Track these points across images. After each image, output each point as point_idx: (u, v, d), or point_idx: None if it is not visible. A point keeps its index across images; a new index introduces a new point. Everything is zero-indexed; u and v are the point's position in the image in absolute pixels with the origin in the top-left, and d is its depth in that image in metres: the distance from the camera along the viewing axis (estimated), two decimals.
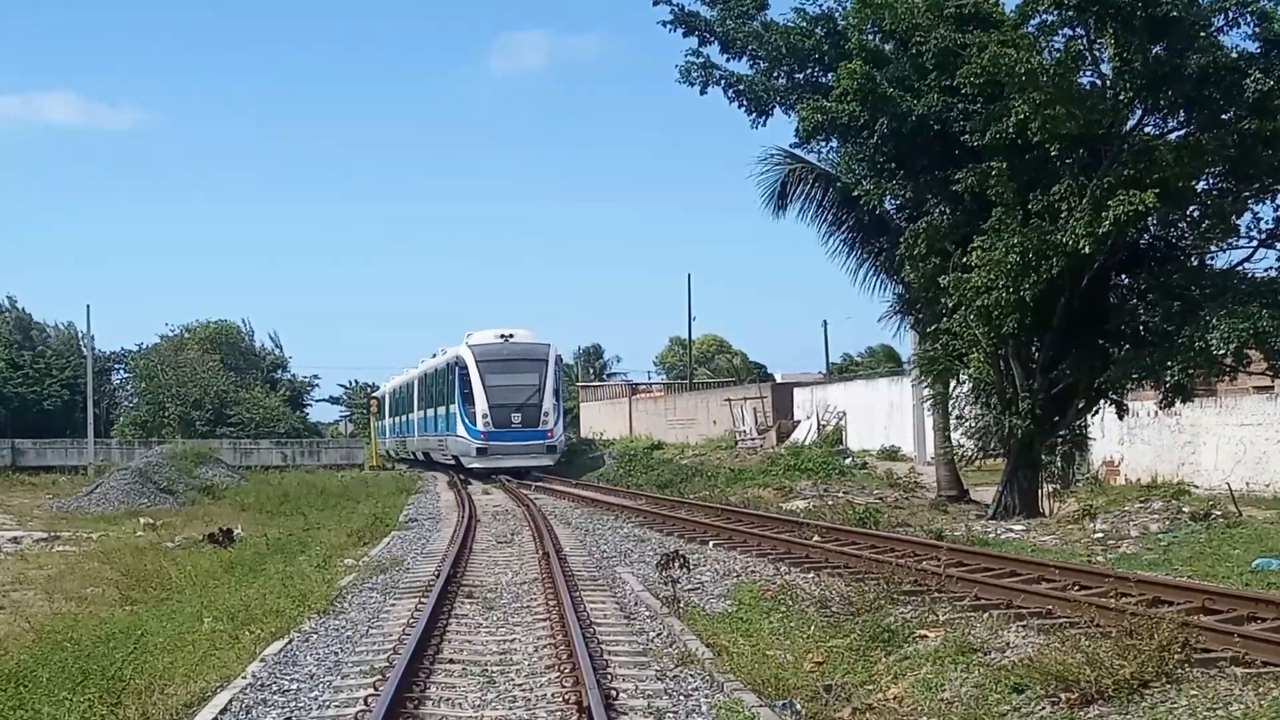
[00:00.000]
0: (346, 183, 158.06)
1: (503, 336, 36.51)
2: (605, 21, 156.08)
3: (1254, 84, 16.09)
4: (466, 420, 34.99)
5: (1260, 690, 7.22)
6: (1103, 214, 16.20)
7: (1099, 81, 17.94)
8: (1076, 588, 10.81)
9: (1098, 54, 17.56)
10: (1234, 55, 16.91)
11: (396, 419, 50.42)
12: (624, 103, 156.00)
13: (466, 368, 35.20)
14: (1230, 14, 16.83)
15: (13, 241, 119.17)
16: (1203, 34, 16.96)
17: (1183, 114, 17.76)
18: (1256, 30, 17.00)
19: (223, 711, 7.81)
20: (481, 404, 34.49)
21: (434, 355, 41.77)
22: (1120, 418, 20.67)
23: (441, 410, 38.20)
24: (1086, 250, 16.52)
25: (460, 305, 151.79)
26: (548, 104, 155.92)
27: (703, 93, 21.06)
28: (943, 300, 18.81)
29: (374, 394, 61.23)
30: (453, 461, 38.00)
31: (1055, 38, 17.63)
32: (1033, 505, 20.01)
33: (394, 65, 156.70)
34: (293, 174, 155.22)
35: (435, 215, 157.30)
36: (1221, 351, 16.53)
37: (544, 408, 34.95)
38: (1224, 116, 17.04)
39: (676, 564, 14.37)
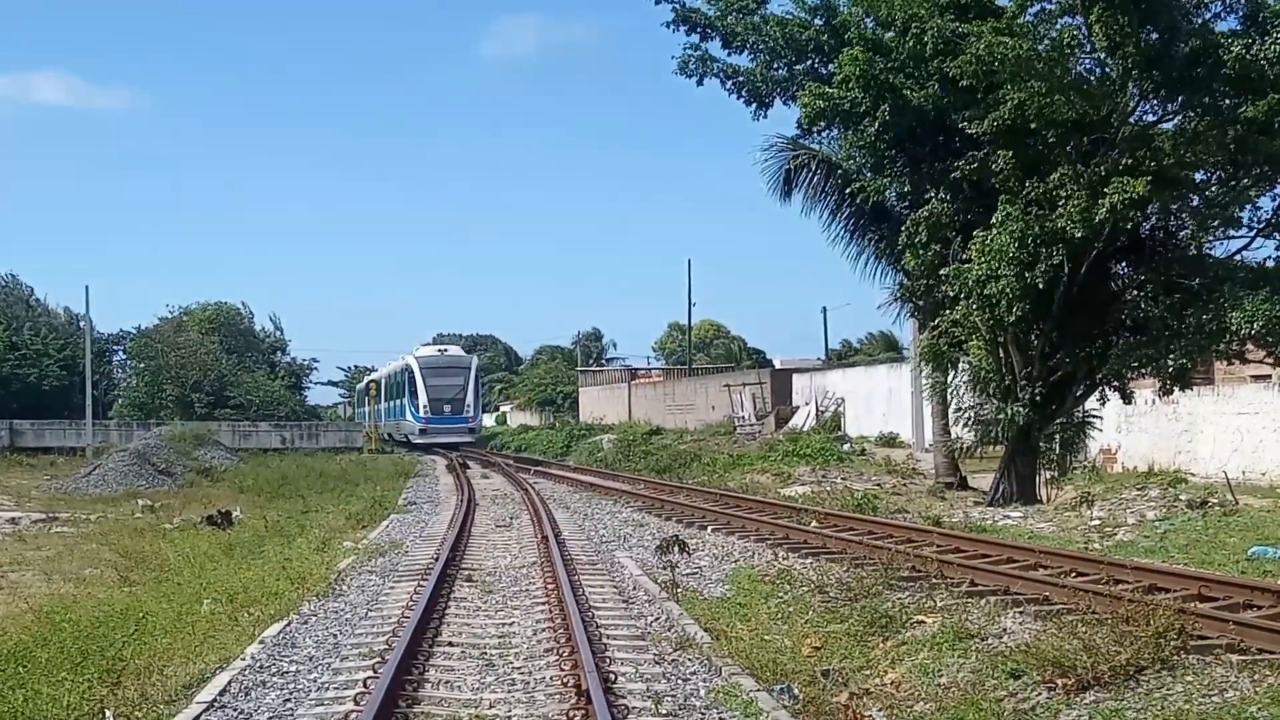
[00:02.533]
0: (342, 167, 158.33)
1: (440, 350, 52.08)
2: (598, 7, 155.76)
3: (1235, 58, 15.94)
4: (413, 410, 47.75)
5: (1256, 677, 7.25)
6: (1099, 201, 16.19)
7: (1099, 69, 17.89)
8: (1073, 574, 10.84)
9: (1095, 40, 17.50)
10: (1219, 33, 16.86)
11: (372, 408, 61.52)
12: (618, 88, 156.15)
13: (413, 372, 48.26)
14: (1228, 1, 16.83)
15: (9, 223, 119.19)
16: (1197, 20, 16.93)
17: (1179, 100, 17.69)
18: (1245, 11, 16.96)
19: (222, 692, 7.84)
20: (423, 398, 47.05)
21: (395, 361, 54.75)
22: (1126, 403, 20.67)
23: (397, 403, 51.04)
24: (1079, 236, 16.52)
25: (457, 291, 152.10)
26: (541, 89, 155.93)
27: (700, 84, 20.99)
28: (943, 288, 18.80)
29: (372, 378, 65.52)
30: (404, 439, 49.98)
31: (1055, 26, 17.56)
32: (1030, 492, 20.04)
33: (386, 50, 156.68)
34: (288, 159, 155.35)
35: (431, 200, 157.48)
36: (1245, 331, 16.37)
37: (467, 401, 47.89)
38: (1219, 102, 16.94)
39: (675, 548, 14.44)
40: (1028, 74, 16.27)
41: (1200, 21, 17.08)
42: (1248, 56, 15.72)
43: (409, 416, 48.33)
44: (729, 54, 20.85)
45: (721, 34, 20.67)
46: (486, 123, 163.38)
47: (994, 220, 17.35)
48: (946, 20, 17.58)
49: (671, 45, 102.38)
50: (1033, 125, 16.76)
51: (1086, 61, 17.92)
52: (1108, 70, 17.62)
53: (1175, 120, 17.87)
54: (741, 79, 20.82)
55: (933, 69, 18.00)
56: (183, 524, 21.27)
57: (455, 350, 53.97)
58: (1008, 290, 17.18)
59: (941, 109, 18.12)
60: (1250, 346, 17.68)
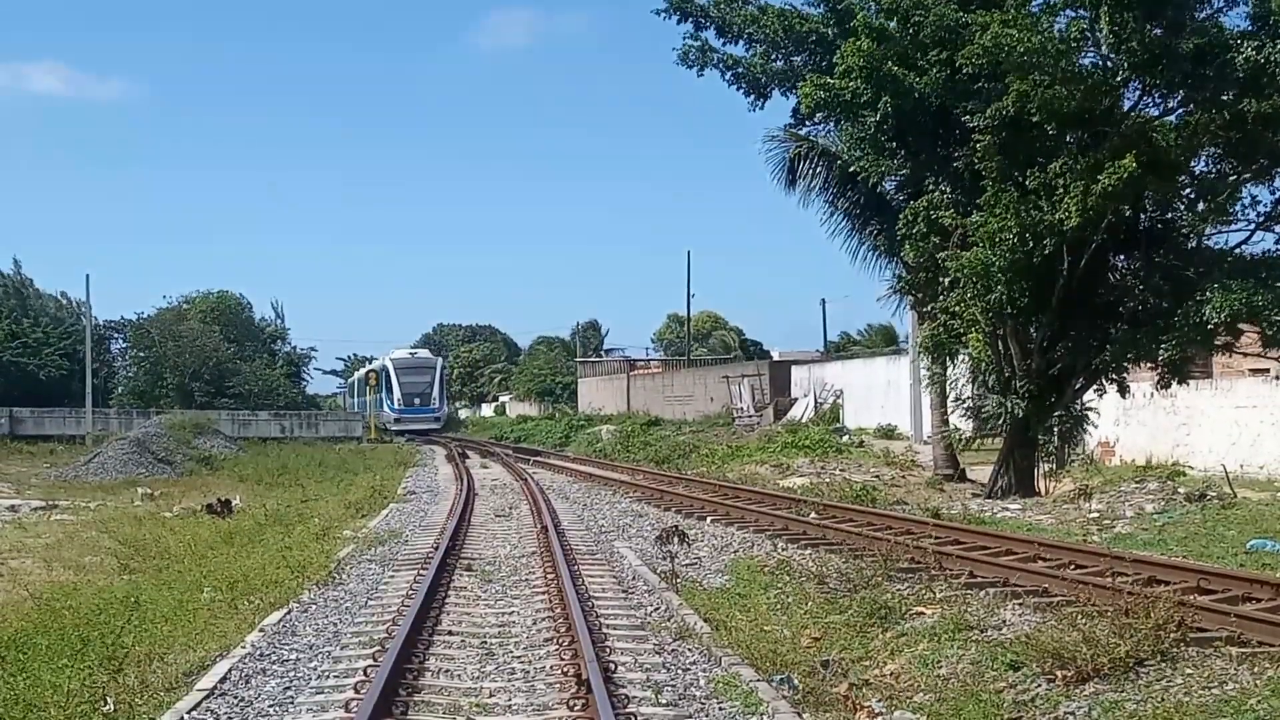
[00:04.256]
0: (339, 158, 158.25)
1: (411, 353, 62.25)
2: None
3: (1245, 60, 15.95)
4: (389, 402, 56.66)
5: (1255, 669, 7.26)
6: (1092, 188, 16.21)
7: (1101, 62, 17.87)
8: (1072, 566, 10.85)
9: (1099, 35, 17.48)
10: (1228, 32, 16.84)
11: (359, 400, 69.16)
12: (613, 80, 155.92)
13: (389, 371, 57.85)
14: None
15: (7, 214, 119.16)
16: (1202, 15, 16.91)
17: (1181, 94, 17.68)
18: (1252, 10, 16.93)
19: (222, 680, 7.84)
20: (397, 393, 56.07)
21: (375, 362, 65.30)
22: (1122, 396, 20.70)
23: (378, 396, 58.75)
24: (1074, 222, 16.51)
25: (456, 281, 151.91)
26: (536, 81, 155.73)
27: (700, 74, 21.02)
28: (941, 279, 18.78)
29: (360, 374, 70.88)
30: (383, 426, 56.83)
31: (1059, 19, 17.53)
32: (1029, 485, 20.06)
33: (381, 40, 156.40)
34: (284, 149, 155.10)
35: (429, 192, 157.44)
36: (1215, 322, 16.49)
37: (433, 395, 57.04)
38: (1223, 97, 16.94)
39: (674, 539, 14.45)
40: (1033, 66, 16.25)
41: (1204, 16, 17.06)
42: (1259, 59, 15.71)
43: (386, 408, 56.97)
44: (723, 43, 20.88)
45: (715, 24, 20.68)
46: (482, 114, 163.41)
47: (983, 203, 17.33)
48: (950, 9, 17.55)
49: (666, 36, 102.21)
50: (1034, 118, 16.74)
51: (1091, 56, 17.89)
52: (1110, 64, 17.59)
53: (1177, 115, 17.85)
54: (741, 70, 20.82)
55: (934, 58, 17.97)
56: (183, 512, 21.28)
57: (424, 353, 64.59)
58: (1004, 280, 17.17)
59: (943, 99, 18.09)
60: (1244, 340, 17.73)
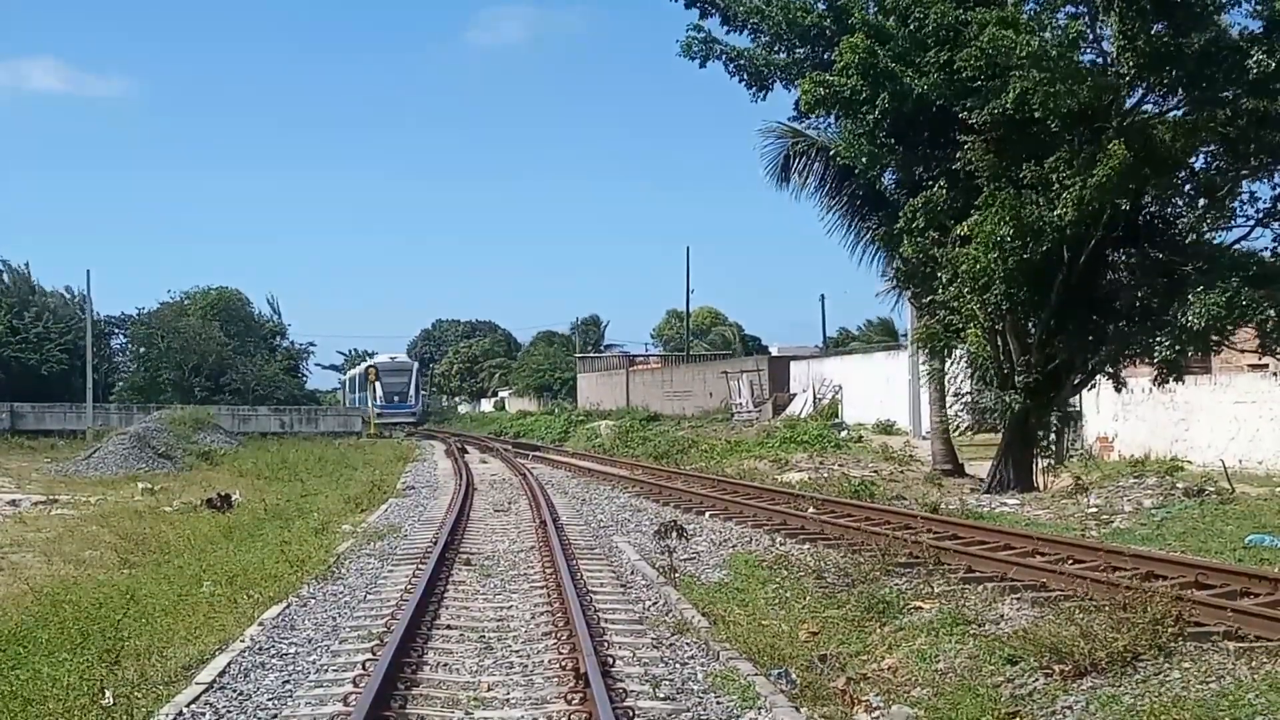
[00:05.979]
0: (340, 154, 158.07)
1: (391, 358, 69.32)
2: None
3: (1256, 64, 15.95)
4: (373, 400, 63.02)
5: (1253, 664, 7.28)
6: (1087, 181, 16.19)
7: (1100, 59, 17.84)
8: (1070, 561, 10.85)
9: (1100, 32, 17.45)
10: (1236, 35, 16.80)
11: (349, 396, 76.82)
12: (611, 75, 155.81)
13: (373, 373, 64.48)
14: None
15: (8, 210, 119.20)
16: (1210, 15, 16.88)
17: (1182, 92, 17.65)
18: (1259, 9, 16.88)
19: (221, 674, 7.87)
20: (379, 392, 62.88)
21: (363, 365, 72.19)
22: (1117, 391, 20.69)
23: (364, 394, 65.90)
24: (1071, 218, 16.48)
25: (456, 277, 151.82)
26: (533, 76, 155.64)
27: (702, 66, 20.96)
28: (939, 275, 18.78)
29: (351, 374, 75.84)
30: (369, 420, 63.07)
31: (1058, 15, 17.49)
32: (1027, 480, 20.05)
33: (377, 38, 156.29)
34: (284, 145, 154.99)
35: (429, 188, 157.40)
36: (1198, 327, 16.51)
37: (410, 395, 65.04)
38: (1224, 95, 16.91)
39: (673, 534, 14.48)
40: (1033, 66, 16.22)
41: (1212, 15, 17.02)
42: (1270, 64, 15.70)
43: (370, 405, 63.96)
44: (727, 32, 20.88)
45: (721, 12, 20.67)
46: (481, 110, 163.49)
47: (979, 203, 17.31)
48: (949, 6, 17.52)
49: (665, 31, 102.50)
50: (1035, 113, 16.72)
51: (1089, 54, 17.86)
52: (1109, 62, 17.55)
53: (1176, 112, 17.82)
54: (743, 61, 20.80)
55: (933, 57, 17.94)
56: (182, 507, 21.30)
57: (403, 357, 72.97)
58: (1003, 280, 17.15)
59: (943, 97, 18.05)
60: (1241, 335, 17.71)
